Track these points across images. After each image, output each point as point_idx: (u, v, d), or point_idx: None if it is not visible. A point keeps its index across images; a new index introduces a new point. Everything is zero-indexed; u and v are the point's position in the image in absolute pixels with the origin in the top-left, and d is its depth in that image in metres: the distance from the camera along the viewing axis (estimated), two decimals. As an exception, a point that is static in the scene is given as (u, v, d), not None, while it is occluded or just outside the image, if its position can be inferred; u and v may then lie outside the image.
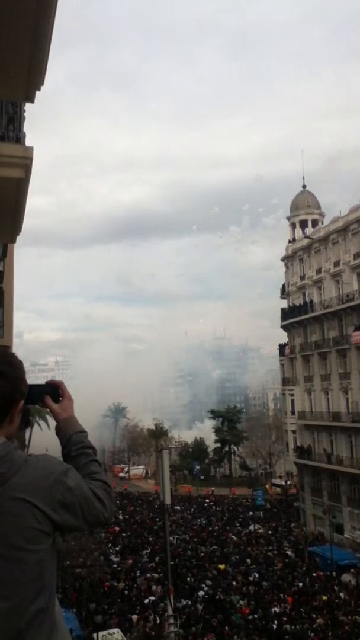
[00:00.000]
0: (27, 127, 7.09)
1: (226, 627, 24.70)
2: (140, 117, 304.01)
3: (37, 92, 4.63)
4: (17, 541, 1.88)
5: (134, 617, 26.03)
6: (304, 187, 60.56)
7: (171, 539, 36.27)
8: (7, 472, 1.93)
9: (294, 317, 54.24)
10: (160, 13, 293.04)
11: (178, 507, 58.65)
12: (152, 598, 28.66)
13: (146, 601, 28.30)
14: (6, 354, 2.11)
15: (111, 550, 39.97)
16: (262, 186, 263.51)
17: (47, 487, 1.97)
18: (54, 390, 2.38)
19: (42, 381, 2.40)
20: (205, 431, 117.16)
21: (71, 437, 2.28)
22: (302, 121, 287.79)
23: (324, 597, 29.32)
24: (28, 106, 7.12)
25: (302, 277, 54.59)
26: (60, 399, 2.38)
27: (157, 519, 48.59)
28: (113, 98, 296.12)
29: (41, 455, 2.10)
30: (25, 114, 7.00)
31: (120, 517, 52.65)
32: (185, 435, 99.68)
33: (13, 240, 9.66)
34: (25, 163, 6.43)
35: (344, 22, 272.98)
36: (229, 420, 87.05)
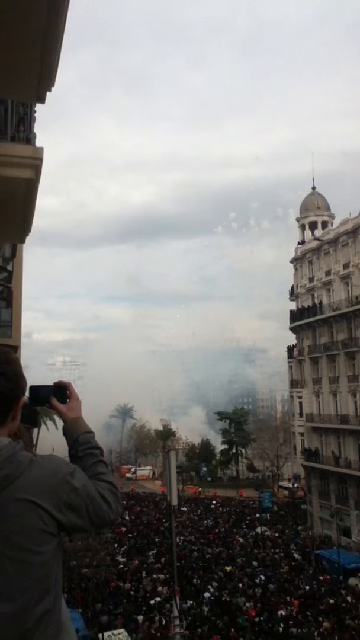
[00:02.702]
0: (37, 127, 7.12)
1: (232, 629, 24.63)
2: (151, 117, 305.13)
3: (48, 93, 4.64)
4: (23, 542, 1.89)
5: (140, 617, 26.01)
6: (313, 188, 60.44)
7: (177, 540, 36.25)
8: (13, 474, 1.93)
9: (303, 319, 54.08)
10: (172, 14, 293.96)
11: (185, 509, 58.60)
12: (158, 599, 28.62)
13: (152, 602, 28.26)
14: (3, 352, 2.12)
15: (117, 551, 40.01)
16: (272, 187, 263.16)
17: (53, 487, 1.97)
18: (62, 391, 2.38)
19: (50, 382, 2.41)
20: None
21: (78, 437, 2.29)
22: (313, 122, 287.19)
23: (331, 601, 29.16)
24: (39, 106, 7.14)
25: (311, 279, 54.41)
26: (68, 399, 2.39)
27: (164, 520, 48.58)
28: (124, 98, 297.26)
29: (47, 456, 2.10)
30: (36, 114, 7.03)
31: (127, 517, 52.66)
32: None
33: (22, 241, 9.70)
34: (35, 164, 6.45)
35: (356, 23, 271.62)
36: (236, 422, 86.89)
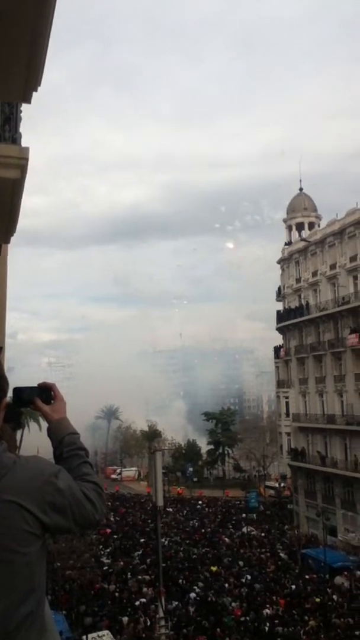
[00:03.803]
0: (25, 126, 7.08)
1: (218, 629, 24.68)
2: (141, 116, 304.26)
3: (35, 93, 4.62)
4: (7, 543, 1.88)
5: (125, 619, 25.95)
6: (300, 189, 60.78)
7: (163, 540, 36.21)
8: (-4, 474, 1.92)
9: (290, 319, 54.37)
10: (164, 11, 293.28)
11: (170, 509, 58.56)
12: (143, 600, 28.58)
13: (137, 603, 28.22)
14: None
15: (102, 552, 39.86)
16: (261, 188, 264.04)
17: (37, 488, 1.96)
18: (46, 392, 2.37)
19: (34, 383, 2.40)
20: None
21: (63, 438, 2.28)
22: (305, 122, 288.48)
23: (317, 600, 29.35)
24: (25, 105, 7.10)
25: (298, 280, 54.72)
26: (53, 400, 2.38)
27: (149, 521, 48.51)
28: (114, 97, 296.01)
29: (31, 457, 2.09)
30: (22, 114, 7.00)
31: (112, 519, 52.51)
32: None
33: (7, 241, 9.63)
34: (20, 164, 6.41)
35: (350, 22, 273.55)
36: (223, 422, 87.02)
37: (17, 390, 2.32)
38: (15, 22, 3.63)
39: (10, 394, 2.24)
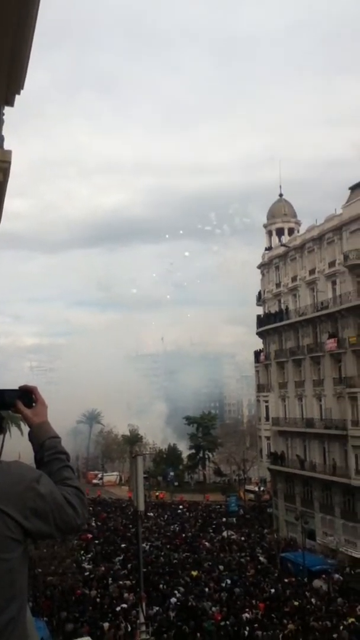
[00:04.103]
0: (7, 129, 7.05)
1: (198, 634, 24.65)
2: (123, 121, 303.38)
3: (17, 96, 4.62)
4: (-12, 550, 1.87)
5: (106, 625, 25.78)
6: (280, 195, 61.29)
7: (144, 545, 36.10)
8: (-23, 480, 1.91)
9: (270, 324, 54.66)
10: (146, 17, 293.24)
11: (151, 514, 58.41)
12: (124, 605, 28.42)
13: (118, 609, 28.04)
14: None
15: (83, 558, 39.58)
16: (243, 194, 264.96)
17: (19, 494, 1.96)
18: (28, 396, 2.35)
19: (15, 386, 2.38)
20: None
21: (44, 442, 2.27)
22: (285, 130, 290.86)
23: (296, 603, 29.44)
24: (8, 108, 7.08)
25: (277, 285, 55.08)
26: (34, 404, 2.36)
27: (130, 526, 48.32)
28: (96, 101, 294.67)
29: (12, 462, 2.08)
30: (4, 117, 6.97)
31: (93, 524, 52.18)
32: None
33: (-12, 244, 9.57)
34: (3, 166, 6.39)
35: (330, 35, 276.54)
36: (203, 427, 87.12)
37: None
38: (-2, 26, 3.62)
39: None
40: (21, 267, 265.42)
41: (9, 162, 6.43)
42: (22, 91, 4.58)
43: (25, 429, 2.39)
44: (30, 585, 24.46)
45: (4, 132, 6.87)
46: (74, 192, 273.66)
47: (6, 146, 6.80)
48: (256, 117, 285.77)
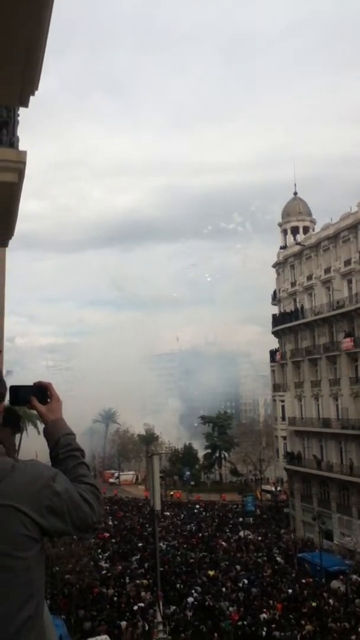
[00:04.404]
0: (21, 131, 7.10)
1: (215, 634, 24.63)
2: (134, 122, 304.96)
3: (32, 97, 4.63)
4: (5, 548, 1.88)
5: (123, 623, 25.86)
6: (295, 193, 60.97)
7: (161, 545, 36.15)
8: (-5, 479, 1.92)
9: (285, 323, 54.44)
10: (155, 17, 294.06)
11: (168, 513, 58.46)
12: (141, 604, 28.48)
13: (135, 607, 28.12)
14: None
15: (100, 557, 39.74)
16: (256, 192, 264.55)
17: (35, 493, 1.96)
18: (42, 392, 2.35)
19: (28, 382, 2.38)
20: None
21: (59, 439, 2.27)
22: (295, 128, 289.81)
23: (313, 604, 29.26)
24: (22, 109, 7.12)
25: (293, 284, 54.82)
26: (49, 400, 2.36)
27: (147, 525, 48.41)
28: (107, 102, 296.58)
29: (29, 461, 2.09)
30: (19, 118, 7.01)
31: (110, 523, 52.39)
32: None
33: (5, 245, 9.65)
34: (18, 167, 6.43)
35: (336, 32, 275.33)
36: (219, 426, 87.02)
37: (13, 388, 2.31)
38: (12, 27, 3.64)
39: (6, 397, 2.23)
40: (36, 267, 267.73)
41: (24, 163, 6.47)
42: (36, 92, 4.59)
43: (42, 428, 2.39)
44: (48, 583, 24.63)
45: (18, 133, 6.92)
46: (86, 193, 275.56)
47: (21, 147, 6.85)
48: (268, 116, 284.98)
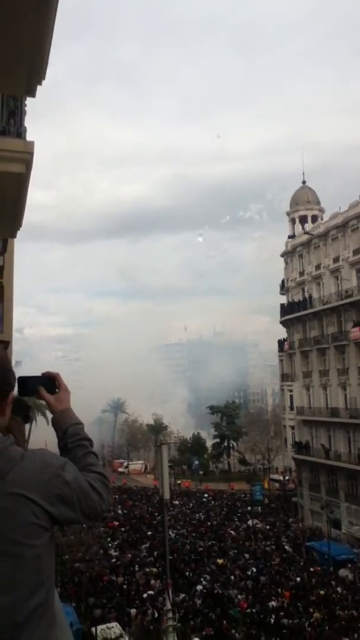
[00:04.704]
0: (28, 121, 7.08)
1: (224, 621, 24.81)
2: (143, 111, 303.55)
3: (39, 86, 4.61)
4: (16, 536, 1.89)
5: (133, 611, 26.13)
6: (303, 182, 60.53)
7: (170, 533, 36.38)
8: (4, 468, 1.93)
9: (293, 313, 54.27)
10: (165, 6, 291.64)
11: (177, 502, 58.80)
12: (151, 592, 28.76)
13: (144, 595, 28.40)
14: None
15: (110, 545, 40.11)
16: (264, 181, 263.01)
17: (45, 481, 1.98)
18: (50, 382, 2.36)
19: (37, 373, 2.39)
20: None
21: (67, 429, 2.28)
22: (305, 117, 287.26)
23: (321, 592, 29.43)
24: (30, 99, 7.10)
25: (301, 273, 54.58)
26: (57, 390, 2.38)
27: (156, 514, 48.73)
28: (116, 91, 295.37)
29: (38, 450, 2.10)
30: (26, 108, 6.99)
31: (119, 511, 52.79)
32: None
33: (13, 235, 9.66)
34: (26, 158, 6.42)
35: (349, 20, 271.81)
36: (227, 416, 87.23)
37: (21, 379, 2.32)
38: (19, 17, 3.62)
39: (15, 387, 2.24)
40: (44, 258, 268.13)
41: (32, 153, 6.46)
42: (43, 82, 4.57)
43: (51, 418, 2.40)
44: (58, 571, 24.89)
45: (26, 123, 6.90)
46: (95, 184, 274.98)
47: (28, 137, 6.83)
48: (276, 104, 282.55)
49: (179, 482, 74.51)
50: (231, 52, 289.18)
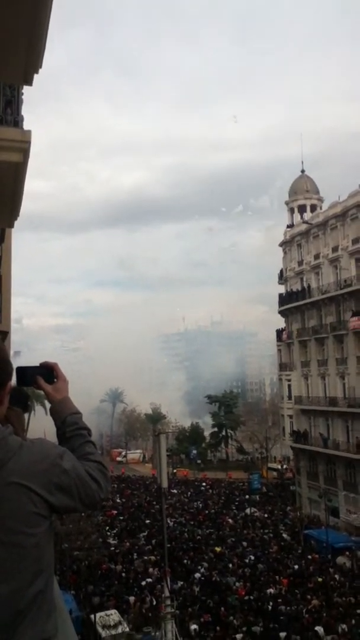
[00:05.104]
0: (26, 109, 7.03)
1: (222, 608, 25.05)
2: (143, 100, 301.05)
3: (35, 75, 4.58)
4: (15, 525, 1.91)
5: (131, 598, 26.37)
6: (302, 171, 60.28)
7: (168, 522, 36.63)
8: (3, 458, 1.94)
9: (292, 302, 54.26)
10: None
11: (175, 491, 59.11)
12: (149, 580, 29.01)
13: (143, 583, 28.64)
14: None
15: (109, 533, 40.35)
16: (264, 170, 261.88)
17: (43, 470, 1.99)
18: (48, 372, 2.36)
19: (36, 363, 2.40)
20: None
21: (66, 418, 2.29)
22: (306, 104, 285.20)
23: (319, 579, 29.71)
24: (27, 87, 7.04)
25: (300, 263, 54.50)
26: (55, 380, 2.38)
27: (154, 503, 48.97)
28: (116, 80, 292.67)
29: (36, 439, 2.11)
30: (23, 96, 6.94)
31: (118, 500, 53.04)
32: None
33: (11, 225, 9.63)
34: (23, 147, 6.38)
35: (349, 5, 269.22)
36: (225, 405, 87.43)
37: (19, 369, 2.32)
38: (15, 4, 3.59)
39: (13, 377, 2.25)
40: (42, 248, 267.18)
41: (29, 143, 6.42)
42: (40, 70, 4.54)
43: (49, 407, 2.41)
44: (57, 560, 25.07)
45: (23, 112, 6.85)
46: (94, 173, 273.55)
47: (25, 126, 6.79)
48: (276, 92, 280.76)
49: (174, 470, 74.74)
50: (232, 39, 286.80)
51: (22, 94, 6.91)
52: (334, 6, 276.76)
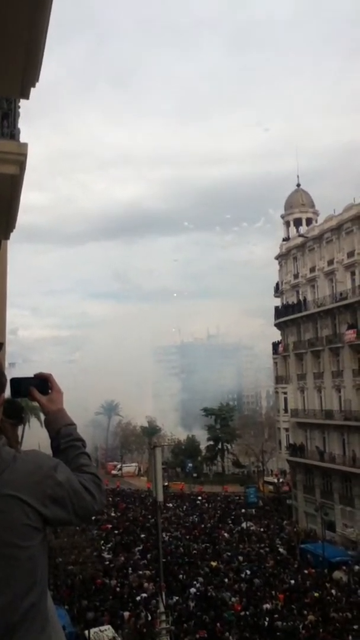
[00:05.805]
0: (23, 121, 7.08)
1: (218, 624, 24.79)
2: (139, 112, 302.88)
3: (32, 89, 4.62)
4: (8, 538, 1.90)
5: (126, 614, 26.07)
6: (298, 185, 60.81)
7: (163, 536, 36.32)
8: (-4, 470, 1.93)
9: (288, 315, 54.40)
10: (160, 6, 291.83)
11: (170, 505, 58.74)
12: (144, 595, 28.69)
13: (138, 598, 28.34)
14: None
15: (103, 548, 39.99)
16: (260, 183, 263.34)
17: (37, 482, 1.98)
18: (43, 383, 2.36)
19: (31, 374, 2.39)
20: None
21: (60, 429, 2.28)
22: (301, 118, 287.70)
23: (316, 594, 29.46)
24: (24, 100, 7.10)
25: (295, 276, 54.73)
26: (50, 391, 2.37)
27: (150, 516, 48.65)
28: (111, 92, 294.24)
29: (30, 451, 2.11)
30: (20, 110, 6.99)
31: (113, 514, 52.65)
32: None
33: (7, 237, 9.64)
34: (19, 159, 6.42)
35: (343, 19, 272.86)
36: (221, 418, 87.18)
37: (14, 380, 2.31)
38: (12, 18, 3.63)
39: (7, 388, 2.24)
40: (38, 260, 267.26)
41: (25, 155, 6.46)
42: (37, 83, 4.58)
43: (44, 419, 2.40)
44: (51, 574, 24.85)
45: (19, 125, 6.90)
46: (90, 185, 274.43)
47: (22, 139, 6.84)
48: (271, 106, 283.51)
49: (166, 483, 74.04)
50: (228, 52, 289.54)
51: (19, 107, 6.97)
52: (331, 20, 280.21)
